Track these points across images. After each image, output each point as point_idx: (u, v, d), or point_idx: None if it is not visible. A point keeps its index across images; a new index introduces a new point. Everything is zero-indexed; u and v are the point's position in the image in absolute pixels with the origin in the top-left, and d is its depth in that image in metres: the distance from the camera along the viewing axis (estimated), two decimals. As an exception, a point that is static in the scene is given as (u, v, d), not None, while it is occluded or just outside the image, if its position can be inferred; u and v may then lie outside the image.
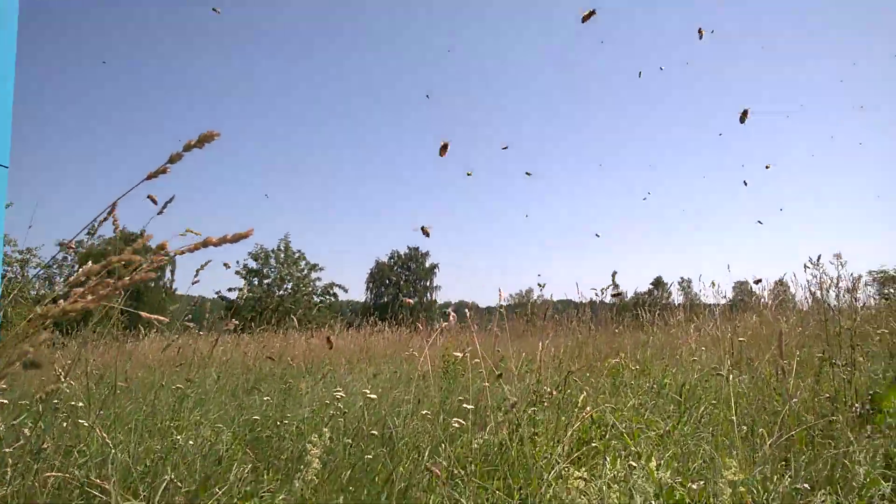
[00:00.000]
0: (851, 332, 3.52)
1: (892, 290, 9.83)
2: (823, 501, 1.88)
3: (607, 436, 2.96)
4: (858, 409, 2.95)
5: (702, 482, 2.21)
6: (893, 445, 2.64)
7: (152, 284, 43.91)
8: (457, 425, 2.99)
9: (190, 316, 5.00)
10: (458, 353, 6.96)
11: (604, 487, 1.92)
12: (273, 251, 33.13)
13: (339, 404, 3.48)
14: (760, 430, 2.49)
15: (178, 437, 3.29)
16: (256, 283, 32.45)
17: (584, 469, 2.37)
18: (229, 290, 32.32)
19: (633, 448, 2.66)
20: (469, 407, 3.22)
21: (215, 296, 34.69)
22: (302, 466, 2.17)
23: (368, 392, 3.40)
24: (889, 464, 2.45)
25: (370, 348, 10.43)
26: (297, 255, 33.32)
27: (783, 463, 2.41)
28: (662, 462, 2.70)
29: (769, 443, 2.35)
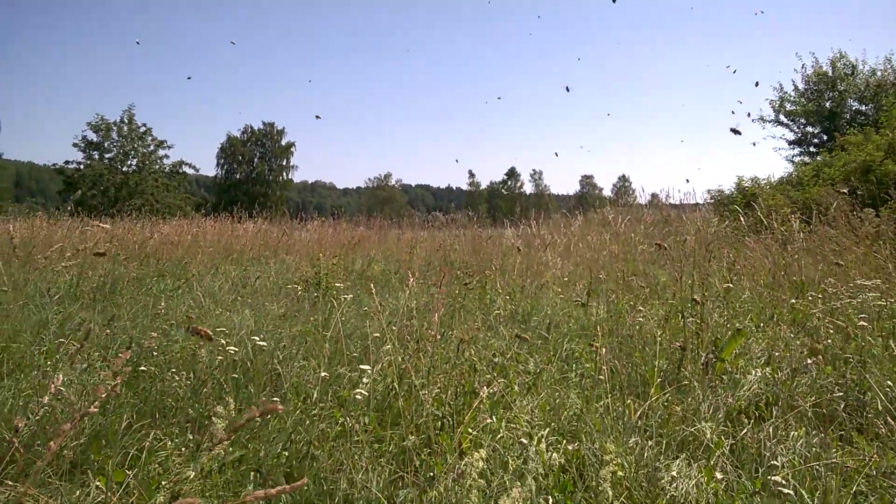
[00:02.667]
0: (700, 280, 3.92)
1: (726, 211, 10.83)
2: (680, 466, 2.18)
3: (487, 380, 3.17)
4: (704, 359, 3.35)
5: (576, 444, 2.48)
6: (731, 396, 3.06)
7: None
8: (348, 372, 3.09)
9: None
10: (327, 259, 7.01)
11: (502, 473, 2.11)
12: (115, 123, 30.55)
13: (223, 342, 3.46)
14: (627, 401, 2.79)
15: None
16: (97, 157, 30.00)
17: (471, 426, 2.56)
18: (66, 162, 29.74)
19: (513, 400, 2.89)
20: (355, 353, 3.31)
21: (49, 165, 31.76)
22: (208, 437, 2.20)
23: (257, 338, 3.38)
24: (729, 418, 2.85)
25: (235, 242, 10.16)
26: (142, 129, 30.96)
27: (642, 420, 2.74)
28: (536, 407, 2.97)
29: (636, 415, 2.65)
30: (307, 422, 2.78)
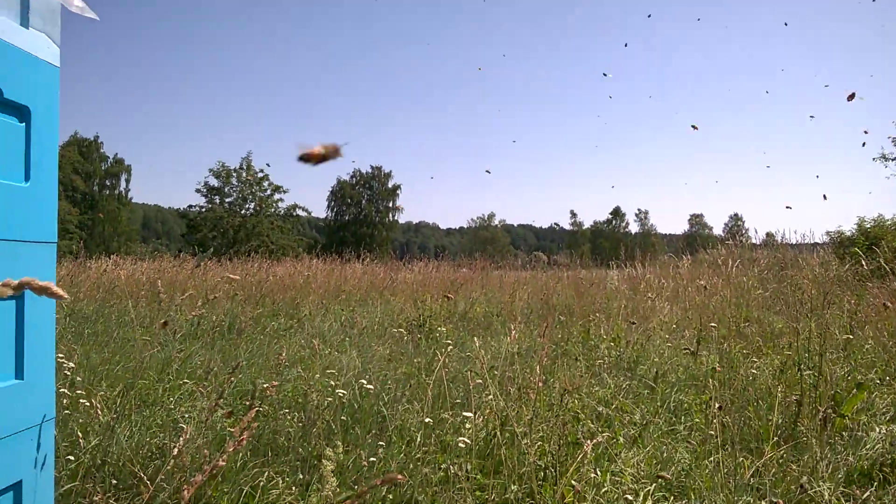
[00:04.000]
0: (820, 332, 3.73)
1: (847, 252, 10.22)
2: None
3: (589, 430, 3.13)
4: (822, 414, 3.17)
5: (684, 502, 2.41)
6: (852, 455, 2.88)
7: (106, 192, 42.93)
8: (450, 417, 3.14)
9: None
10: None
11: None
12: (235, 170, 32.57)
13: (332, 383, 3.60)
14: (740, 458, 2.68)
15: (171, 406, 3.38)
16: (218, 201, 32.00)
17: (574, 478, 2.54)
18: (189, 206, 31.87)
19: (618, 453, 2.84)
20: (459, 402, 3.35)
21: (174, 209, 34.14)
22: (318, 478, 2.29)
23: (365, 382, 3.49)
24: (849, 479, 2.68)
25: (344, 283, 10.51)
26: (260, 174, 32.82)
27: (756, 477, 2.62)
28: (642, 461, 2.90)
29: (748, 473, 2.54)
30: (411, 465, 2.84)
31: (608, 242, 60.28)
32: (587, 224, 69.31)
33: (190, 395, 3.76)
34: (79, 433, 2.95)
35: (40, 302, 1.48)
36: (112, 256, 11.98)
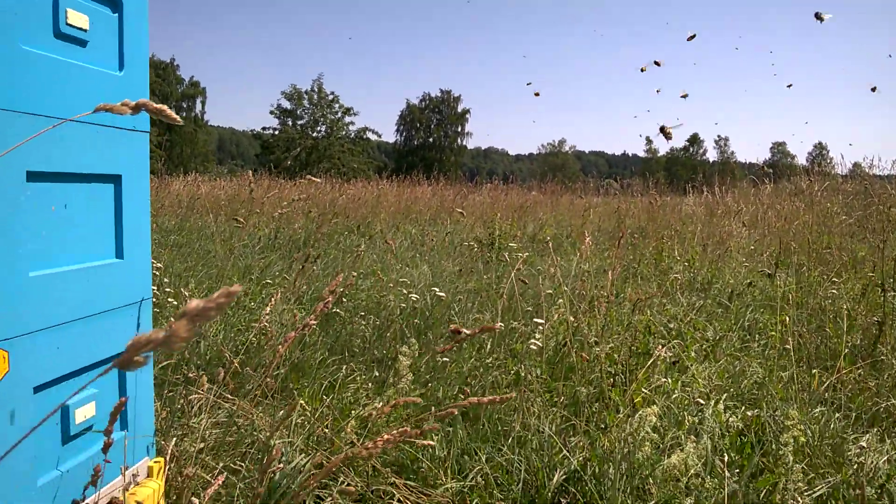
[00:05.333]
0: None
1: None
2: (870, 440, 2.05)
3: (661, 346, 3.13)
4: (905, 337, 3.07)
5: (756, 411, 2.40)
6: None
7: (183, 115, 43.95)
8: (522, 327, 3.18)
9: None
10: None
11: (679, 433, 2.10)
12: (307, 92, 32.80)
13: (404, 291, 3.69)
14: (814, 370, 2.64)
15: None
16: (290, 123, 32.43)
17: (644, 387, 2.56)
18: (263, 128, 32.44)
19: (689, 365, 2.83)
20: (529, 310, 3.38)
21: (248, 131, 34.78)
22: (393, 374, 2.39)
23: (437, 288, 3.55)
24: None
25: (413, 203, 10.61)
26: (331, 97, 32.97)
27: (831, 391, 2.58)
28: (714, 374, 2.89)
29: (822, 386, 2.50)
30: (481, 369, 2.91)
31: (684, 170, 58.31)
32: (662, 151, 67.09)
33: (270, 300, 3.92)
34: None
35: (137, 187, 1.55)
36: (192, 173, 12.36)
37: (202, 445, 1.89)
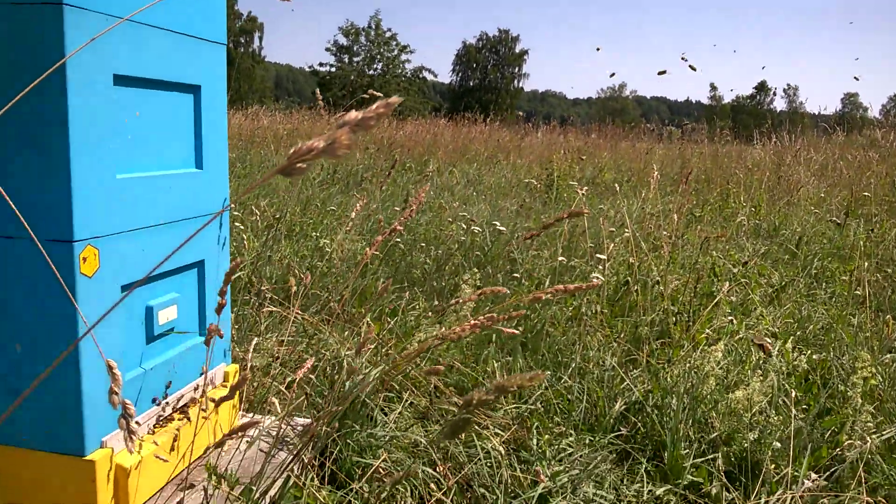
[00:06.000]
0: None
1: None
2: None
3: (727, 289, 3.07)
4: None
5: (822, 354, 2.35)
6: None
7: (241, 50, 44.10)
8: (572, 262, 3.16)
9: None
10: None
11: (744, 370, 2.07)
12: (364, 29, 32.49)
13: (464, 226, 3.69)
14: (886, 317, 2.56)
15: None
16: (347, 60, 32.30)
17: (707, 328, 2.52)
18: (320, 64, 32.38)
19: (753, 308, 2.78)
20: (595, 251, 3.35)
21: (305, 68, 34.74)
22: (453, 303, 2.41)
23: (496, 222, 3.54)
24: None
25: (470, 143, 10.53)
26: (387, 34, 32.61)
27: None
28: (779, 317, 2.84)
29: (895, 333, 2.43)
30: (540, 304, 2.91)
31: (751, 119, 56.04)
32: (728, 99, 64.61)
33: (331, 230, 3.99)
34: (235, 252, 3.22)
35: (215, 98, 1.57)
36: (253, 107, 12.48)
37: (273, 358, 1.96)
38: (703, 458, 1.77)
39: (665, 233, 3.61)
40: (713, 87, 65.14)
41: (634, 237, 3.31)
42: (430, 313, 2.75)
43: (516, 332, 1.38)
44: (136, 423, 1.37)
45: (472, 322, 0.89)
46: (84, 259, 1.21)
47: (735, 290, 3.13)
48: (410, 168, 8.09)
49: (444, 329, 2.33)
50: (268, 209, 4.05)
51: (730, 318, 2.55)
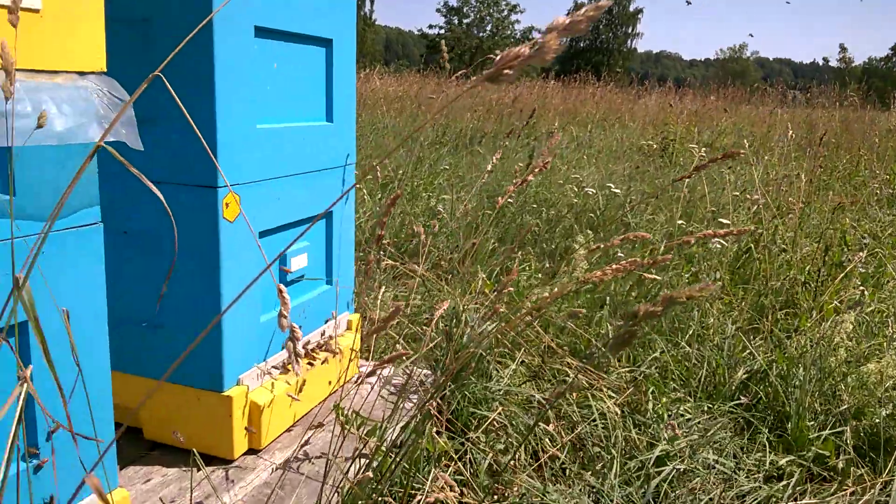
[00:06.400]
0: None
1: None
2: None
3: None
4: None
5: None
6: None
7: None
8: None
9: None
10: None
11: (877, 343, 1.96)
12: (473, -11, 32.21)
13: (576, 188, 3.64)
14: None
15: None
16: (456, 22, 32.15)
17: (835, 298, 2.39)
18: (430, 27, 32.39)
19: (887, 281, 2.61)
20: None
21: (414, 31, 34.90)
22: (565, 265, 2.39)
23: (610, 184, 3.47)
24: None
25: (580, 106, 10.31)
26: (498, -8, 32.18)
27: None
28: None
29: None
30: (653, 271, 2.84)
31: (885, 83, 51.73)
32: (859, 61, 59.87)
33: (442, 191, 4.03)
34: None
35: (346, 53, 1.60)
36: (365, 70, 12.67)
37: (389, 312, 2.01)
38: (829, 431, 1.69)
39: (791, 199, 3.43)
40: (843, 49, 60.47)
41: (764, 201, 3.16)
42: (540, 276, 2.74)
43: (657, 277, 1.37)
44: (303, 346, 1.45)
45: (616, 266, 0.88)
46: (227, 205, 1.28)
47: (867, 261, 2.94)
48: (517, 130, 8.00)
49: (588, 273, 2.32)
50: (382, 169, 4.13)
51: (860, 289, 2.39)
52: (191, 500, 1.28)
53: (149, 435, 1.44)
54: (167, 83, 0.66)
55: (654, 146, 6.06)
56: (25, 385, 0.49)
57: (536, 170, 1.62)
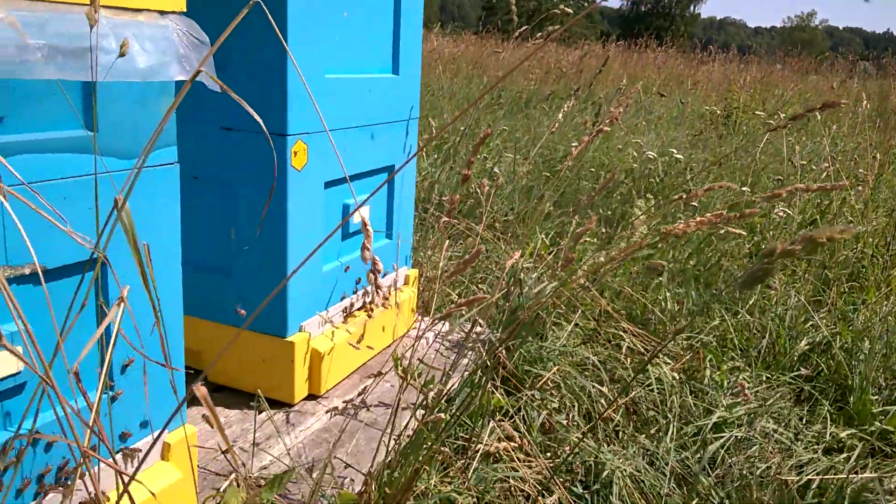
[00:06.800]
0: None
1: None
2: None
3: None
4: None
5: None
6: None
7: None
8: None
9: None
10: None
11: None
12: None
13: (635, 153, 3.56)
14: None
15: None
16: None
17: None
18: (486, -13, 31.81)
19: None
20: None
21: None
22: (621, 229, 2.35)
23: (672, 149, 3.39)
24: None
25: (641, 72, 10.06)
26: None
27: None
28: None
29: None
30: (715, 240, 2.78)
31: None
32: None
33: (498, 152, 4.00)
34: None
35: (413, 4, 1.59)
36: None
37: (446, 269, 2.02)
38: (894, 406, 1.65)
39: (862, 170, 3.30)
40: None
41: (834, 170, 3.05)
42: (595, 240, 2.71)
43: (742, 232, 1.36)
44: (382, 280, 1.47)
45: (700, 218, 0.86)
46: (295, 153, 1.29)
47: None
48: (574, 94, 7.86)
49: (668, 226, 2.29)
50: (437, 129, 4.11)
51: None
52: (253, 440, 1.31)
53: (212, 377, 1.49)
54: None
55: (718, 112, 5.88)
56: (122, 305, 0.51)
57: (608, 121, 1.58)
